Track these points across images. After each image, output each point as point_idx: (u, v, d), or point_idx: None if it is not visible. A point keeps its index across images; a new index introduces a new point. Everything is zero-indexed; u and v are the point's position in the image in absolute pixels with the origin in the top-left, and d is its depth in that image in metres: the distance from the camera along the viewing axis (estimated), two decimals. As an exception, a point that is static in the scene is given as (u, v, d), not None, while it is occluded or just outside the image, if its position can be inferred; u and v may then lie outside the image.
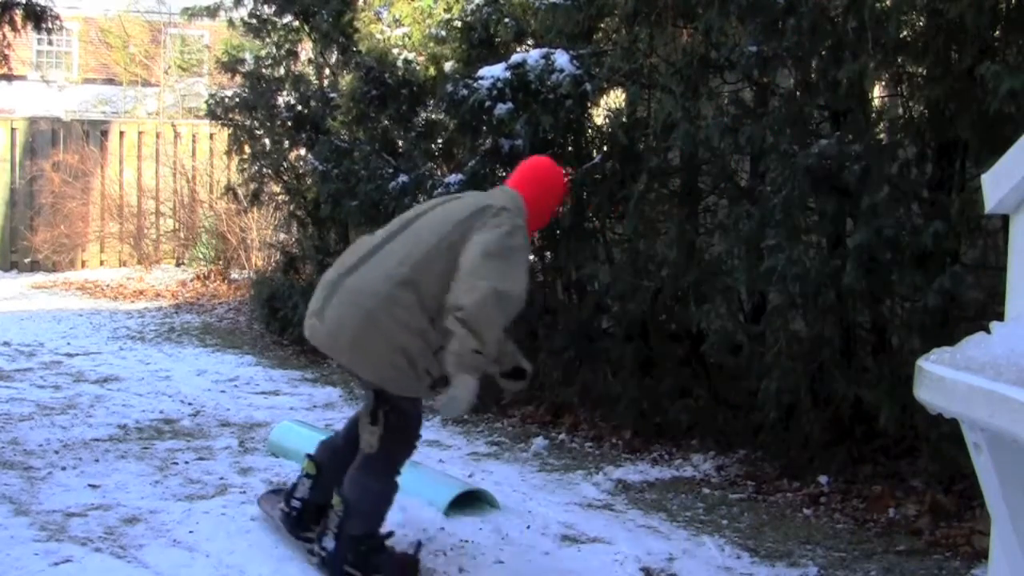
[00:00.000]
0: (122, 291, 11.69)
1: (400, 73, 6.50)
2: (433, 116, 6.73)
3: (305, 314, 3.36)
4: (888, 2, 4.12)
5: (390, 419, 3.27)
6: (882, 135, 4.61)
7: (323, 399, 6.31)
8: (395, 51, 6.61)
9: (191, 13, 10.39)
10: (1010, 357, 1.89)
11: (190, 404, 6.02)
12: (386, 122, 6.83)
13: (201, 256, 12.33)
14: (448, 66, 6.21)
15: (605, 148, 5.59)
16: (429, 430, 5.53)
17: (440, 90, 5.95)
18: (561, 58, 5.30)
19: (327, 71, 8.57)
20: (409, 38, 6.61)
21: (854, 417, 4.49)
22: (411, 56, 6.54)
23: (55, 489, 4.23)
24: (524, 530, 3.85)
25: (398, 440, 3.33)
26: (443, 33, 6.34)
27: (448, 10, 6.34)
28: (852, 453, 4.50)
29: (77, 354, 7.70)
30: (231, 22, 9.17)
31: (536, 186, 3.51)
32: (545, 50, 5.40)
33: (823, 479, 4.44)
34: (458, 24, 6.23)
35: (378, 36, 6.76)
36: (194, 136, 13.75)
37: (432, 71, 6.42)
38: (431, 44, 6.42)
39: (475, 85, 5.41)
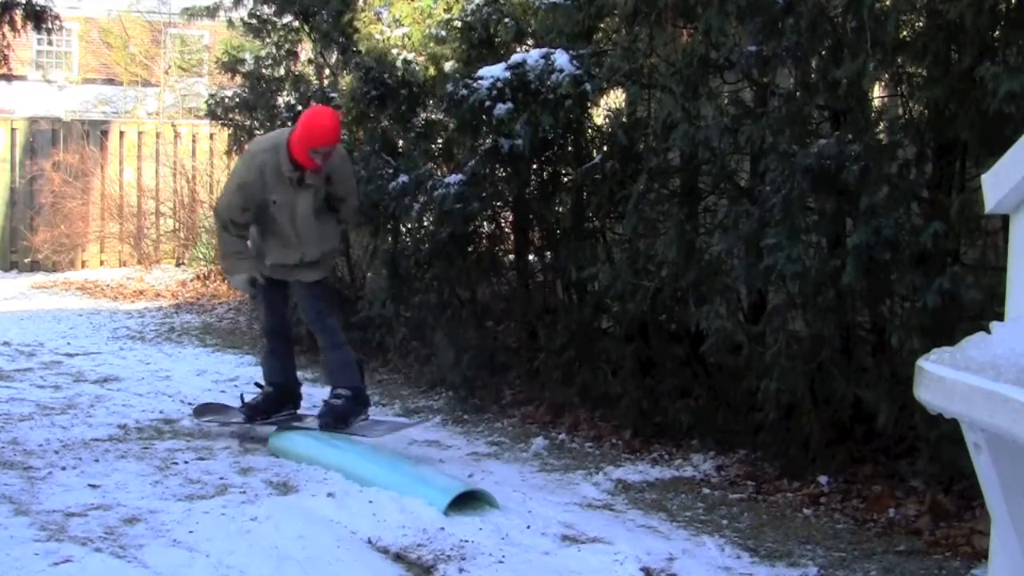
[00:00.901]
0: (122, 291, 11.68)
1: (400, 73, 6.49)
2: (433, 116, 6.72)
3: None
4: (888, 2, 4.11)
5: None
6: (882, 135, 4.61)
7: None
8: (395, 51, 6.60)
9: (191, 13, 10.38)
10: (1010, 357, 1.89)
11: (190, 404, 6.01)
12: (386, 122, 6.83)
13: (201, 256, 12.32)
14: (448, 66, 6.21)
15: (605, 148, 5.60)
16: (429, 430, 5.55)
17: (440, 90, 5.95)
18: (561, 58, 5.30)
19: (327, 71, 8.56)
20: (409, 38, 6.60)
21: (854, 417, 4.49)
22: (411, 56, 6.53)
23: (55, 489, 4.23)
24: (524, 530, 3.85)
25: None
26: (443, 33, 6.33)
27: (448, 10, 6.34)
28: (852, 453, 4.50)
29: (77, 354, 7.70)
30: (231, 22, 9.16)
31: (299, 127, 4.80)
32: (545, 50, 5.40)
33: (823, 479, 4.44)
34: (458, 24, 6.22)
35: (378, 36, 6.75)
36: (194, 136, 13.74)
37: (432, 71, 6.42)
38: (431, 44, 6.41)
39: (475, 85, 5.41)
